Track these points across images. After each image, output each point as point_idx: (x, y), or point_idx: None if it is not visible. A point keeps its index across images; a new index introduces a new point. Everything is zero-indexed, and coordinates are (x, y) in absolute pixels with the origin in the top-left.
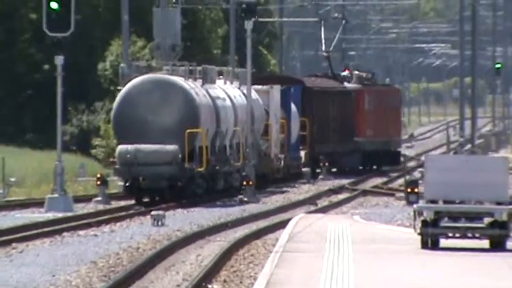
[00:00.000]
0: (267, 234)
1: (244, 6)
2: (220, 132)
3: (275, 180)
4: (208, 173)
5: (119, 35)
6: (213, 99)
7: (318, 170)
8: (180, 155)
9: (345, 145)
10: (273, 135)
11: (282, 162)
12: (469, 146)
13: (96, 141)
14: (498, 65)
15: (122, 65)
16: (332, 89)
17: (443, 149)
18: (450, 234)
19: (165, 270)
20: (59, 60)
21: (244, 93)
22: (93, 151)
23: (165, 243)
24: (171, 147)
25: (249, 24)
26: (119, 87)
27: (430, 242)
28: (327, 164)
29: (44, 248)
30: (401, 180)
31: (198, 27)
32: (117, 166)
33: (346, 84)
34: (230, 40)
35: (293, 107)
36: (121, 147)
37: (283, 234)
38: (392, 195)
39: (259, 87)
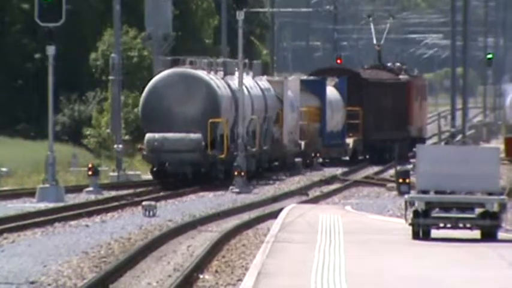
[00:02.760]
0: (259, 224)
1: None
2: (238, 121)
3: (285, 164)
4: (228, 159)
5: (110, 25)
6: (232, 90)
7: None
8: (203, 143)
9: (399, 133)
10: (287, 122)
11: (303, 147)
12: (460, 136)
13: (87, 131)
14: (489, 56)
15: (112, 55)
16: (387, 80)
17: (435, 139)
18: (441, 225)
19: (157, 261)
20: (51, 50)
21: (258, 84)
22: (85, 141)
23: (156, 233)
24: (195, 135)
25: (240, 15)
26: (110, 77)
27: (421, 233)
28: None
29: (35, 239)
30: (392, 171)
31: (189, 18)
32: (145, 153)
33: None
34: (222, 30)
35: (337, 96)
36: (149, 136)
37: (275, 224)
38: (384, 185)
39: (272, 77)
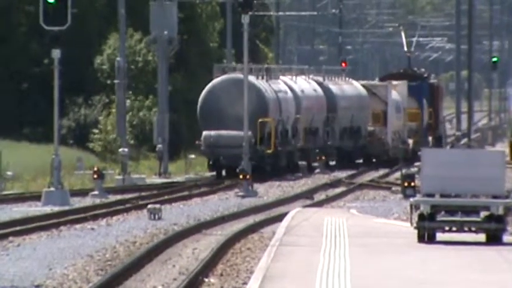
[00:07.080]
0: (264, 228)
1: (240, 0)
2: (282, 120)
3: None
4: (274, 154)
5: (115, 29)
6: (276, 92)
7: None
8: (252, 139)
9: (440, 131)
10: (392, 122)
11: (410, 145)
12: (465, 140)
13: (94, 134)
14: (495, 59)
15: (117, 58)
16: (434, 84)
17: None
18: (447, 228)
19: (162, 264)
20: (56, 53)
21: (320, 86)
22: (91, 144)
23: (161, 236)
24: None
25: (245, 18)
26: (116, 81)
27: (426, 236)
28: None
29: (40, 242)
30: (398, 174)
31: (194, 21)
32: (202, 148)
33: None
34: (227, 34)
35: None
36: (205, 133)
37: (280, 227)
38: (389, 189)
39: (376, 82)
